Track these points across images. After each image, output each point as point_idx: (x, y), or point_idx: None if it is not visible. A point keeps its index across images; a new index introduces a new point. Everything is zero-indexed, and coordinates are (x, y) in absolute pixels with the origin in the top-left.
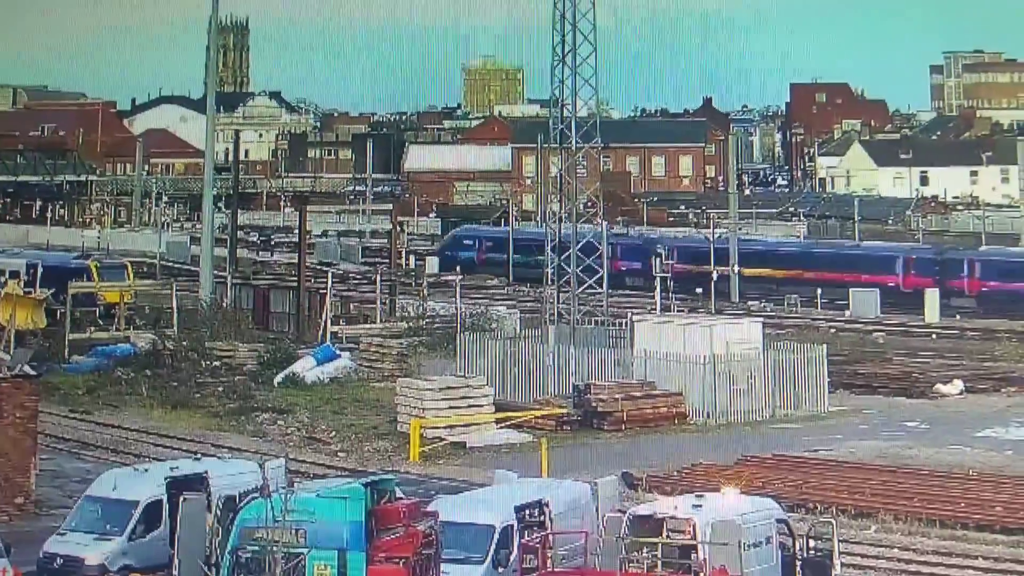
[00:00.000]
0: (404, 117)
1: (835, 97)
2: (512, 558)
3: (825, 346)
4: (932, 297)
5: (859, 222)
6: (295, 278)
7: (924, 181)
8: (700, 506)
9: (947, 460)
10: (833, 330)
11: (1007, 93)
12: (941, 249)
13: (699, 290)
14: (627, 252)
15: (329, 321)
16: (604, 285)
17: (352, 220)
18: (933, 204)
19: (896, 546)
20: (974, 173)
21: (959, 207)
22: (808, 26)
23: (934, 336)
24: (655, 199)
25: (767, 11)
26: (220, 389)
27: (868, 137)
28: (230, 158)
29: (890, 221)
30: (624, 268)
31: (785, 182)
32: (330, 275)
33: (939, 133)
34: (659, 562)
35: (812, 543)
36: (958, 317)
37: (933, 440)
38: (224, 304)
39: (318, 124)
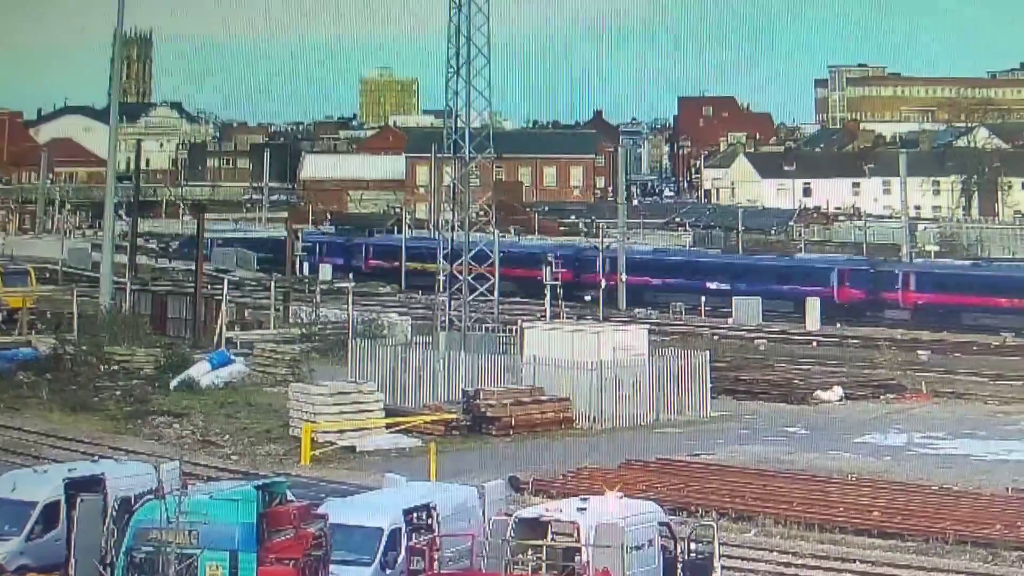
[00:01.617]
0: (301, 127)
1: (721, 110)
2: (400, 560)
3: (708, 352)
4: (813, 305)
5: (743, 232)
6: (192, 285)
7: (807, 192)
8: (584, 509)
9: (826, 465)
10: (716, 337)
11: (890, 106)
12: (577, 248)
13: (587, 297)
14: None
15: (224, 327)
16: (495, 292)
17: (249, 227)
18: (815, 215)
19: (775, 549)
20: (856, 185)
21: (841, 218)
22: (696, 41)
23: (815, 343)
24: (546, 209)
25: (656, 27)
26: (118, 393)
27: (753, 150)
28: (132, 167)
29: (773, 232)
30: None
31: (672, 193)
32: (226, 282)
33: (822, 146)
34: (543, 564)
35: (693, 546)
36: (839, 325)
37: (813, 445)
38: (123, 310)
39: (217, 134)
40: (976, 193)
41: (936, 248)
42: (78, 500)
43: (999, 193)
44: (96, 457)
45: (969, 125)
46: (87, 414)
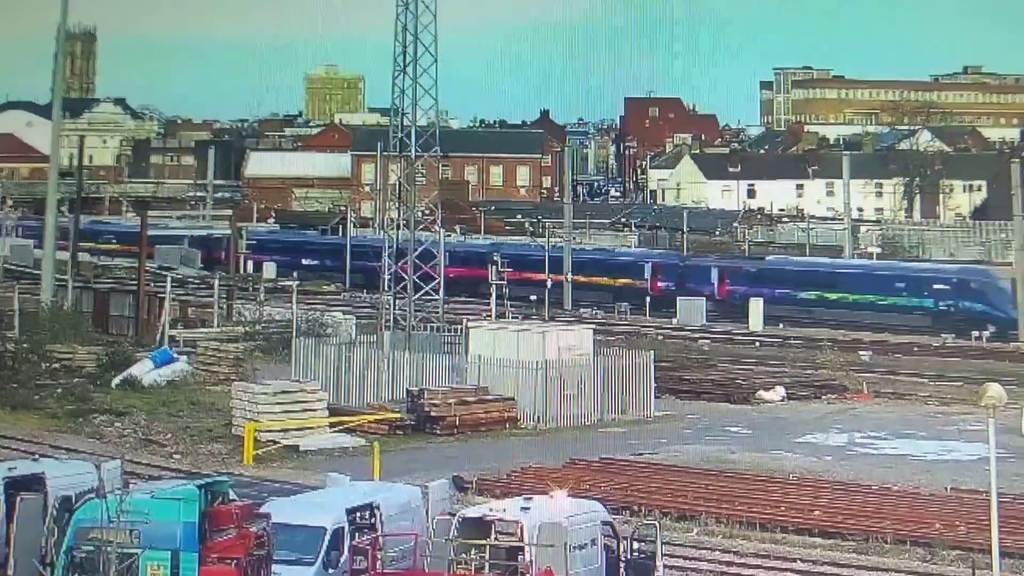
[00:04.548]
0: (246, 124)
1: (667, 112)
2: (343, 559)
3: (652, 353)
4: (756, 306)
5: (688, 233)
6: (135, 282)
7: (751, 194)
8: (528, 509)
9: (768, 465)
10: (660, 337)
11: (834, 109)
12: (281, 230)
13: (533, 297)
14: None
15: (167, 325)
16: (440, 292)
17: (193, 225)
18: (759, 216)
19: (717, 548)
20: (800, 186)
21: (785, 219)
22: (643, 42)
23: (757, 344)
24: (492, 208)
25: (603, 27)
26: (59, 391)
27: (698, 151)
28: (75, 163)
29: (717, 232)
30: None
31: (618, 193)
32: (169, 279)
33: (767, 147)
34: (487, 564)
35: (636, 545)
36: (781, 326)
37: (755, 445)
38: (65, 307)
39: (162, 130)
40: (918, 195)
41: (878, 249)
42: (18, 499)
43: (941, 195)
44: (36, 456)
45: (912, 128)
46: (27, 412)
